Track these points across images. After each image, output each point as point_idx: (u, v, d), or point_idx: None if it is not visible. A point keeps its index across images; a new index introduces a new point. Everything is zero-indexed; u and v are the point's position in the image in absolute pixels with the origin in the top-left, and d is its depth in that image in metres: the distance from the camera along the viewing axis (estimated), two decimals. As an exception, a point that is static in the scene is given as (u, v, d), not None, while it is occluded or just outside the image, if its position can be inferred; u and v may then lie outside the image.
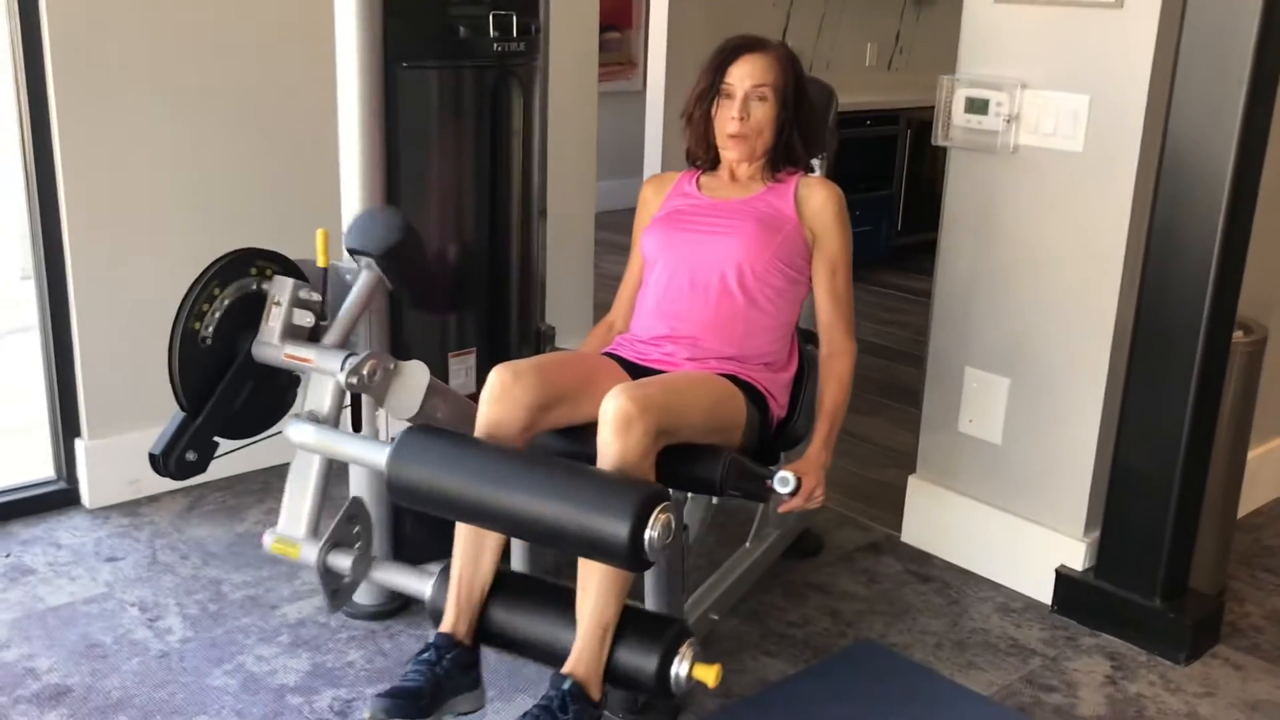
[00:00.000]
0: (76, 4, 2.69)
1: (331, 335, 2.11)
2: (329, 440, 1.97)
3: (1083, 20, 2.43)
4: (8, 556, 2.71)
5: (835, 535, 2.99)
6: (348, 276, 2.27)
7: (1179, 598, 2.53)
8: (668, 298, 2.21)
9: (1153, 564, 2.50)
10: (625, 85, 6.76)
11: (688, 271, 2.20)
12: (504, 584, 1.94)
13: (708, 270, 2.18)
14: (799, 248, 2.22)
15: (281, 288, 2.11)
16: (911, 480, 2.94)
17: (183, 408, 2.07)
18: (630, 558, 1.65)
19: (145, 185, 2.87)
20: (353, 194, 2.36)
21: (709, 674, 1.77)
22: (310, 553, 1.99)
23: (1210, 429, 2.48)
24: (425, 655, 1.90)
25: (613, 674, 1.82)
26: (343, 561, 2.00)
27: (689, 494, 2.30)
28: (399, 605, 2.56)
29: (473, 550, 1.90)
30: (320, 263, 2.15)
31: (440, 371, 2.51)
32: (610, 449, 1.78)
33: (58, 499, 2.95)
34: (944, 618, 2.62)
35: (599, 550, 1.69)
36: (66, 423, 2.94)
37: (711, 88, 2.24)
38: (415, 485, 1.82)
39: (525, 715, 1.76)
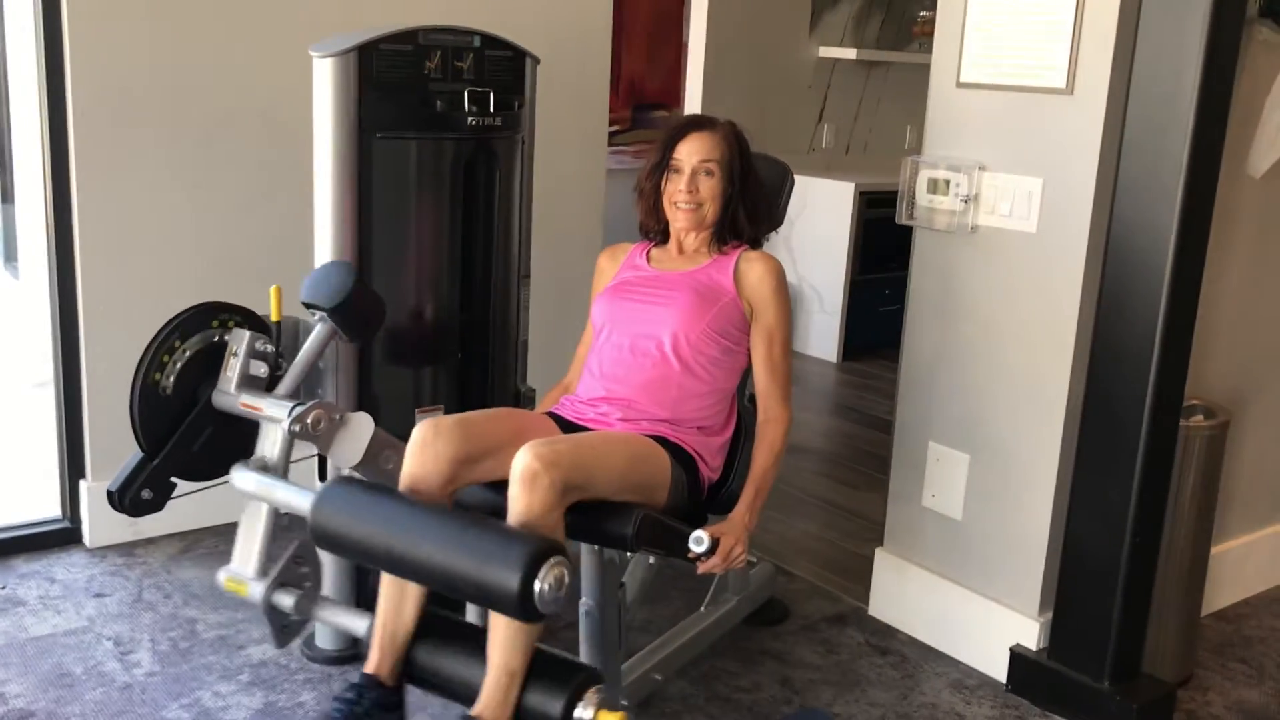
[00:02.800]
0: (101, 91, 2.91)
1: (283, 386, 2.24)
2: (266, 487, 2.09)
3: (1037, 105, 2.50)
4: (4, 588, 2.86)
5: (804, 605, 3.02)
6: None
7: (1129, 682, 2.51)
8: (608, 362, 2.30)
9: (1102, 647, 2.48)
10: (670, 162, 6.89)
11: (628, 338, 2.29)
12: (430, 626, 2.02)
13: (646, 338, 2.28)
14: (735, 319, 2.30)
15: (239, 339, 2.25)
16: (878, 553, 2.96)
17: (142, 449, 2.21)
18: (520, 608, 1.72)
19: (154, 251, 3.05)
20: (325, 257, 2.50)
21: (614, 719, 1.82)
22: (257, 590, 2.11)
23: (1159, 512, 2.47)
24: (348, 694, 1.99)
25: (520, 717, 1.88)
26: (286, 600, 2.11)
27: (628, 554, 2.37)
28: (357, 651, 2.64)
29: (396, 595, 1.99)
30: (274, 317, 2.29)
31: (407, 425, 2.60)
32: (517, 503, 1.87)
33: (61, 537, 3.11)
34: (894, 690, 2.63)
35: (492, 600, 1.77)
36: (73, 465, 3.11)
37: (661, 163, 2.35)
38: (333, 532, 1.93)
39: None
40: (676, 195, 2.33)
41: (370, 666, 2.00)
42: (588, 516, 2.00)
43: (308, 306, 2.31)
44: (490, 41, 2.68)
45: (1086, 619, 2.50)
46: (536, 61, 2.82)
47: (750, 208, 2.37)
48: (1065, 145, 2.46)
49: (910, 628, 2.87)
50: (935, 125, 2.71)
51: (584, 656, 2.29)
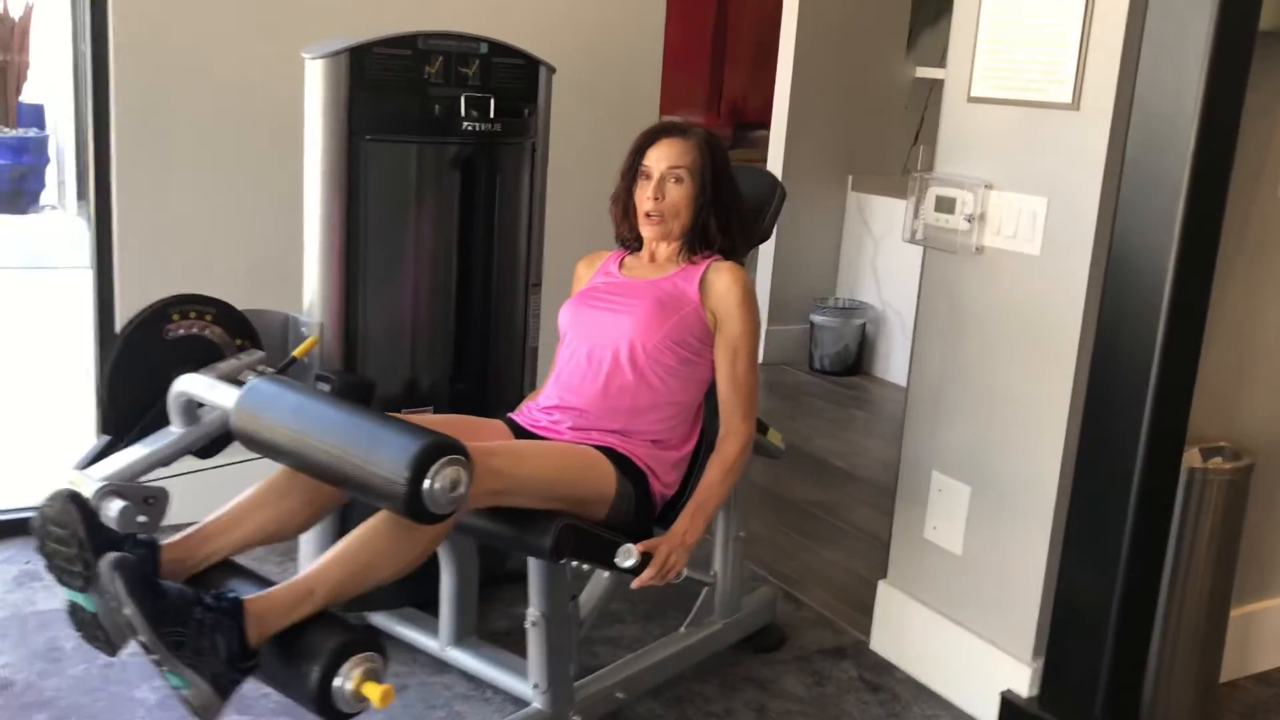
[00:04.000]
0: (141, 96, 3.01)
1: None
2: (206, 388, 2.11)
3: (1043, 121, 2.37)
4: (27, 563, 2.99)
5: (805, 634, 2.91)
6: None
7: (1121, 738, 2.34)
8: (566, 370, 2.28)
9: (1092, 699, 2.32)
10: (768, 182, 6.84)
11: (587, 346, 2.26)
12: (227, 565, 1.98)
13: (603, 346, 2.24)
14: (695, 329, 2.24)
15: (250, 354, 2.33)
16: (881, 586, 2.84)
17: (107, 430, 2.28)
18: (408, 503, 1.65)
19: (185, 248, 3.13)
20: (313, 256, 2.55)
21: (376, 692, 1.72)
22: (91, 487, 2.00)
23: (1157, 558, 2.30)
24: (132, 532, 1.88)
25: (281, 660, 1.76)
26: (113, 506, 1.98)
27: (585, 566, 2.32)
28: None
29: (237, 515, 1.96)
30: (295, 353, 2.37)
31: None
32: None
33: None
34: (874, 729, 2.51)
35: (381, 494, 1.70)
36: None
37: (631, 169, 2.32)
38: (248, 427, 1.90)
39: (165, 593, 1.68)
40: (644, 203, 2.29)
41: (164, 540, 1.89)
42: (510, 523, 1.98)
43: (320, 378, 2.44)
44: (499, 49, 2.69)
45: (1076, 668, 2.35)
46: (552, 70, 2.82)
47: (723, 218, 2.31)
48: (1070, 164, 2.33)
49: (908, 665, 2.75)
50: (946, 141, 2.61)
51: (531, 667, 2.26)
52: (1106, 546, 2.28)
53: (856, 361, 5.48)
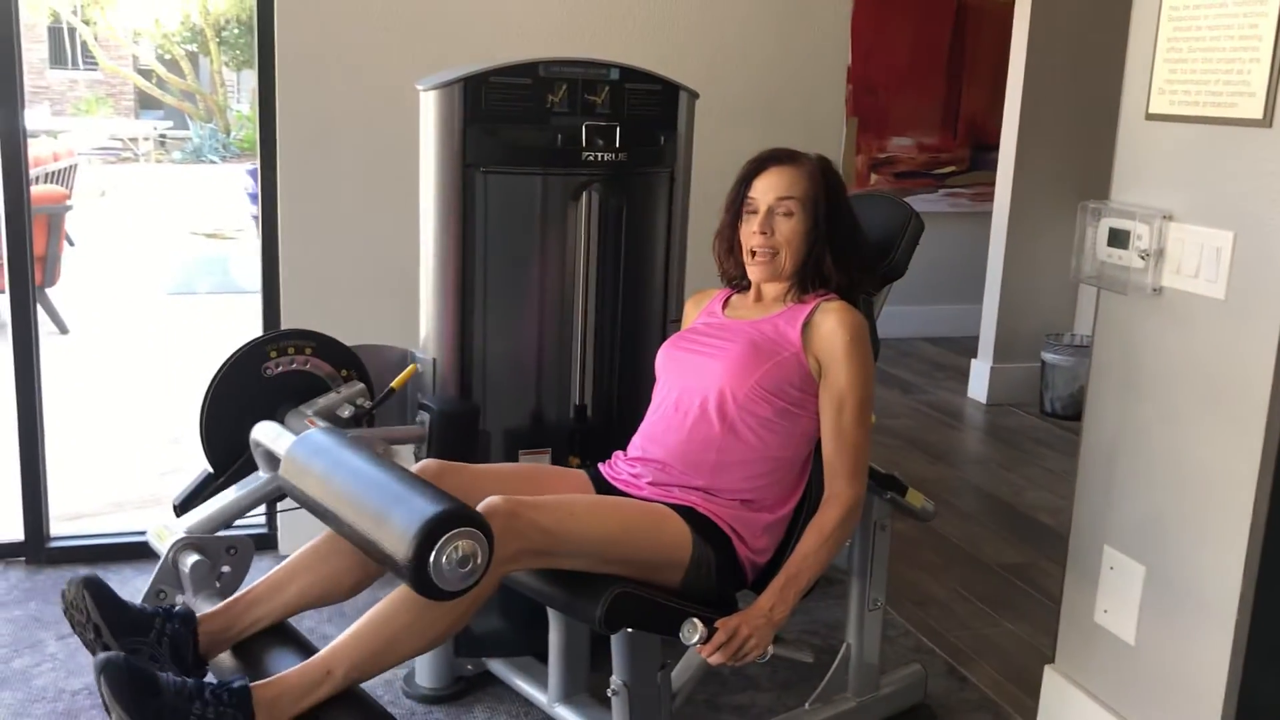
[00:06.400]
0: (305, 131, 3.07)
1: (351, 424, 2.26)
2: (273, 437, 2.08)
3: (1229, 141, 2.00)
4: (160, 593, 3.08)
5: (961, 719, 2.60)
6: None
7: None
8: (653, 418, 2.09)
9: (1278, 835, 1.93)
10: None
11: (676, 392, 2.07)
12: (277, 630, 1.88)
13: (692, 393, 2.04)
14: (793, 377, 2.00)
15: (351, 386, 2.30)
16: (1047, 672, 2.50)
17: (210, 464, 2.28)
18: (414, 577, 1.51)
19: (345, 272, 3.16)
20: (428, 292, 2.48)
21: None
22: (171, 540, 2.02)
23: (1363, 671, 1.88)
24: (163, 606, 1.83)
25: None
26: (189, 559, 2.00)
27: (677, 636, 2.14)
28: (458, 690, 2.60)
29: (282, 579, 1.87)
30: (395, 384, 2.33)
31: (509, 467, 2.54)
32: None
33: (258, 542, 3.30)
34: (1017, 841, 2.19)
35: (389, 563, 1.57)
36: (273, 474, 3.31)
37: (736, 201, 2.11)
38: (292, 480, 1.83)
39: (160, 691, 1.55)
40: (751, 239, 2.08)
41: (202, 612, 1.82)
42: (562, 586, 1.82)
43: (421, 406, 2.39)
44: (632, 74, 2.56)
45: (1261, 796, 1.95)
46: (694, 96, 2.66)
47: (839, 253, 2.06)
48: (1261, 191, 1.95)
49: (1073, 766, 2.39)
50: (1122, 165, 2.27)
51: (619, 743, 2.09)
52: (1298, 653, 1.88)
53: (1091, 405, 4.98)
